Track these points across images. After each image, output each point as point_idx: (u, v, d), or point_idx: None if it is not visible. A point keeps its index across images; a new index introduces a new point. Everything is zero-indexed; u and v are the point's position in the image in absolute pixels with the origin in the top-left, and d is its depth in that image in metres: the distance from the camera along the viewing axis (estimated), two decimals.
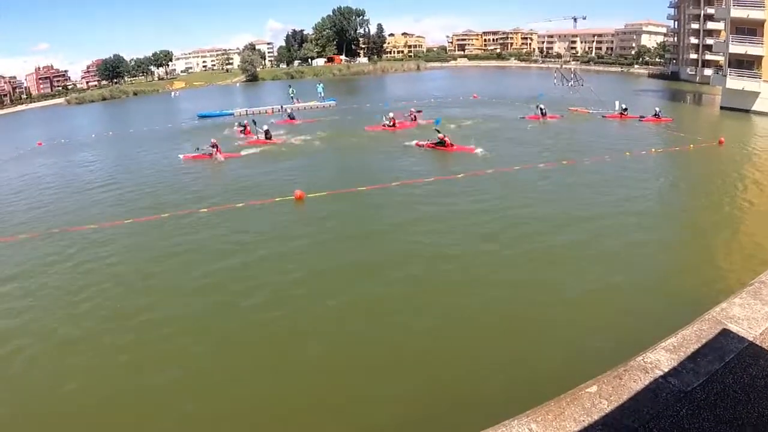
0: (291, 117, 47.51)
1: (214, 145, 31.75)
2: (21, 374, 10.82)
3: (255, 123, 38.79)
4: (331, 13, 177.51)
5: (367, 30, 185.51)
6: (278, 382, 9.92)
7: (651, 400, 5.38)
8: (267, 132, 36.09)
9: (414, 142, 32.55)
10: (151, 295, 13.90)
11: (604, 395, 5.55)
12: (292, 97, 63.00)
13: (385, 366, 10.16)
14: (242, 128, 39.74)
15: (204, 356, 10.90)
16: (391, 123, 39.02)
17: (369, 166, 28.31)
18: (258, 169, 28.81)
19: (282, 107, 57.55)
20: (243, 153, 33.09)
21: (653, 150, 28.82)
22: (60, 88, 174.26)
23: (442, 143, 30.48)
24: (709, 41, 73.26)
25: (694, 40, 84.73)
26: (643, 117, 39.07)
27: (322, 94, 64.16)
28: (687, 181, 23.52)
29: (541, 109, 41.29)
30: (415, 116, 41.32)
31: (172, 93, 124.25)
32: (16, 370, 11.00)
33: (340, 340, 11.27)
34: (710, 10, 72.47)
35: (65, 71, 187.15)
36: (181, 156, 32.68)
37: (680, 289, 12.61)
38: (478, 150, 29.78)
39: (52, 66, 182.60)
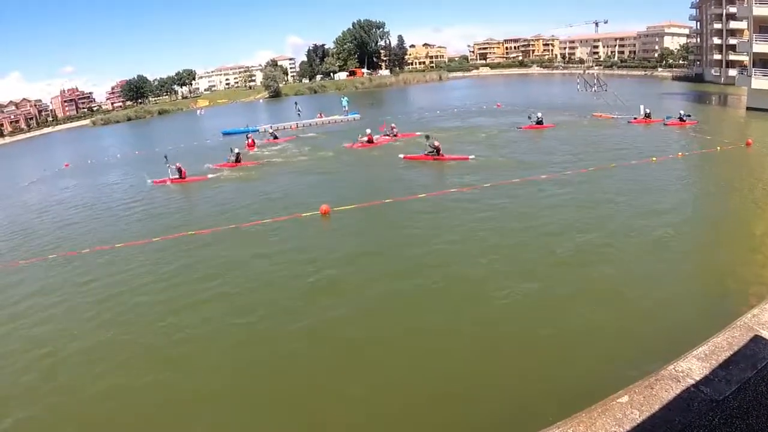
0: (274, 137, 47.84)
1: (178, 169, 32.03)
2: (49, 379, 11.12)
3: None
4: (351, 27, 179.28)
5: (387, 42, 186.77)
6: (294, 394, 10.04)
7: (683, 410, 5.35)
8: (238, 155, 35.75)
9: (401, 156, 32.68)
10: (187, 308, 14.14)
11: (635, 405, 5.54)
12: (298, 114, 63.84)
13: (412, 379, 10.18)
14: (249, 141, 43.60)
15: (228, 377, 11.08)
16: (368, 139, 38.85)
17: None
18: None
19: (302, 123, 58.58)
20: (210, 176, 32.58)
21: (680, 154, 28.44)
22: (85, 109, 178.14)
23: (436, 152, 30.71)
24: (733, 41, 72.48)
25: (717, 41, 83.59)
26: (668, 121, 38.63)
27: (346, 108, 64.46)
28: (715, 184, 23.13)
29: (537, 119, 40.90)
30: (396, 132, 41.46)
31: (198, 111, 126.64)
32: (45, 373, 11.46)
33: (376, 351, 11.37)
34: (732, 9, 71.41)
35: (90, 93, 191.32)
36: (149, 181, 32.66)
37: (710, 296, 12.46)
38: (472, 157, 30.32)
39: (76, 88, 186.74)
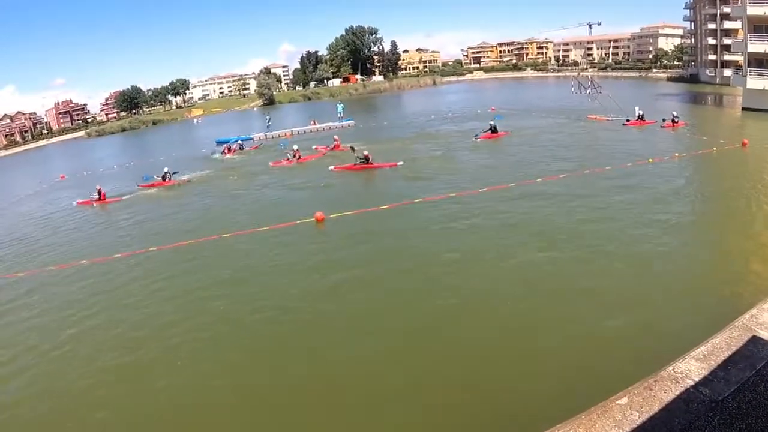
0: (230, 149, 47.75)
1: (98, 192, 32.29)
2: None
3: (242, 147, 48.07)
4: (344, 33, 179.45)
5: (381, 48, 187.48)
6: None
7: (682, 411, 5.32)
8: (165, 174, 35.33)
9: (331, 168, 33.33)
10: (175, 313, 14.16)
11: (635, 407, 5.50)
12: (268, 126, 64.38)
13: (409, 383, 10.18)
14: (223, 150, 46.66)
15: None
16: (294, 156, 38.41)
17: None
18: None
19: (297, 130, 59.28)
20: (125, 197, 32.73)
21: (676, 155, 28.44)
22: (80, 121, 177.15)
23: (365, 161, 32.00)
24: (727, 41, 72.57)
25: (711, 41, 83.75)
26: (664, 122, 38.60)
27: (341, 114, 64.77)
28: (712, 185, 23.18)
29: (492, 127, 40.39)
30: (335, 145, 41.12)
31: (195, 120, 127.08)
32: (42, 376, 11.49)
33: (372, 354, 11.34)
34: (726, 9, 71.57)
35: (84, 105, 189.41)
36: (74, 202, 33.09)
37: (709, 297, 12.45)
38: (400, 163, 32.13)
39: (71, 100, 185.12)
